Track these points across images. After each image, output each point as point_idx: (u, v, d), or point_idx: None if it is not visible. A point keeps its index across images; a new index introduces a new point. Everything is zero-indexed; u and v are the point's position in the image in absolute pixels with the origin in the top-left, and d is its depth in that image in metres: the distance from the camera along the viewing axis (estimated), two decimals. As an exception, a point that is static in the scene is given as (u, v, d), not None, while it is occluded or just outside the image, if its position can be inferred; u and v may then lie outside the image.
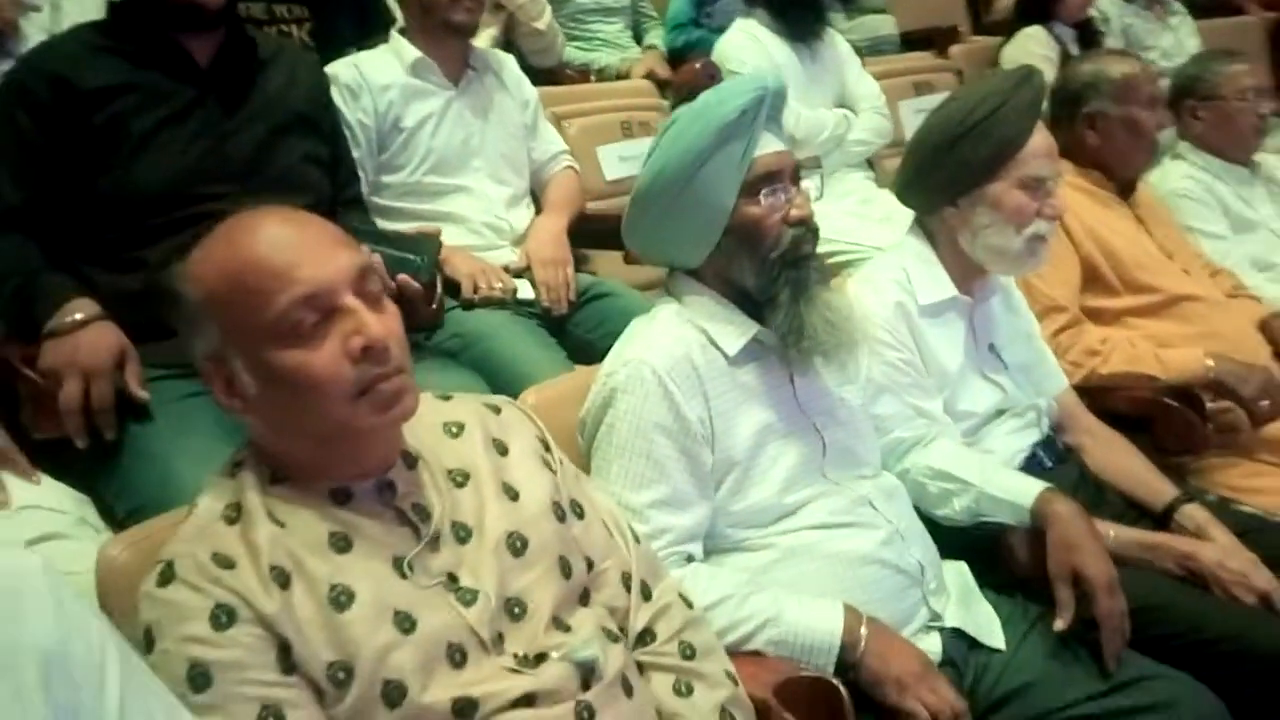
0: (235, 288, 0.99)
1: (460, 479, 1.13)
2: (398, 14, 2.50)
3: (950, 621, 1.43)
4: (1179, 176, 2.59)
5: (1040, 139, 1.66)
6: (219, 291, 1.00)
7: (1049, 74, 3.04)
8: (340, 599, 1.00)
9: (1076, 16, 3.70)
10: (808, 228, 1.38)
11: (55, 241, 1.64)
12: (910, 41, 4.12)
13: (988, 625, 1.44)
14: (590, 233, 2.36)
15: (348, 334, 1.00)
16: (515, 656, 1.05)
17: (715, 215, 1.35)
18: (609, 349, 1.45)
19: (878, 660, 1.27)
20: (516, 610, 1.08)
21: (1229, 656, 1.45)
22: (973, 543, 1.56)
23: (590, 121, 2.60)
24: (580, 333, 2.14)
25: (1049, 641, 1.42)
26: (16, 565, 0.82)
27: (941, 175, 1.67)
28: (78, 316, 1.54)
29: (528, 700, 1.02)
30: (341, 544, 1.03)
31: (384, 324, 1.03)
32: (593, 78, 3.32)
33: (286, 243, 1.01)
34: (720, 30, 3.76)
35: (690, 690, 1.16)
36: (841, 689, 1.21)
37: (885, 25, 4.10)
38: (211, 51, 1.75)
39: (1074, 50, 3.58)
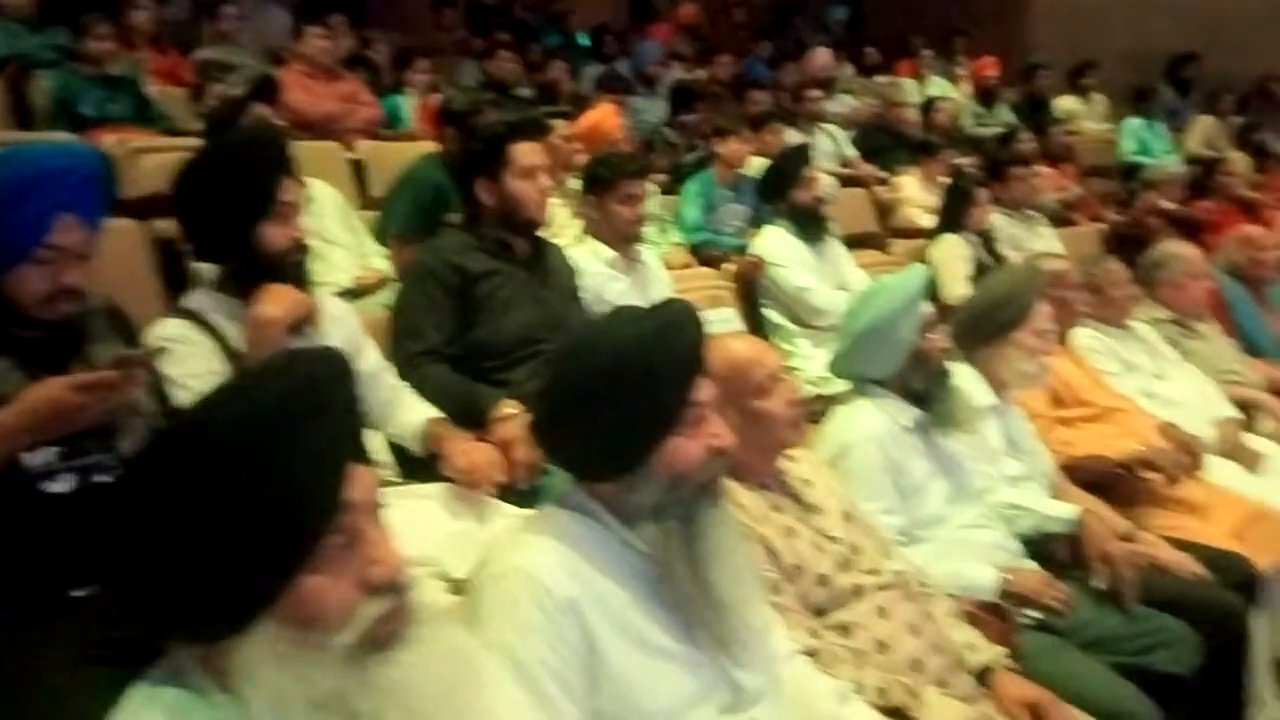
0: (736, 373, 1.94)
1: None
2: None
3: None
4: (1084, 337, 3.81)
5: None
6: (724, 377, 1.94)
7: (969, 269, 4.38)
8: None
9: (978, 228, 5.05)
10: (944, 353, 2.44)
11: (455, 368, 2.51)
12: (849, 242, 5.42)
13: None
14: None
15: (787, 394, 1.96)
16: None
17: (904, 346, 2.38)
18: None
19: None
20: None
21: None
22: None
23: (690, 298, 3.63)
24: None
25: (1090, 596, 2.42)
26: None
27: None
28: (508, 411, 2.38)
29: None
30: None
31: None
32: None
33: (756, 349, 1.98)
34: (718, 233, 4.97)
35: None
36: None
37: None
38: (527, 248, 2.70)
39: (981, 252, 4.89)
